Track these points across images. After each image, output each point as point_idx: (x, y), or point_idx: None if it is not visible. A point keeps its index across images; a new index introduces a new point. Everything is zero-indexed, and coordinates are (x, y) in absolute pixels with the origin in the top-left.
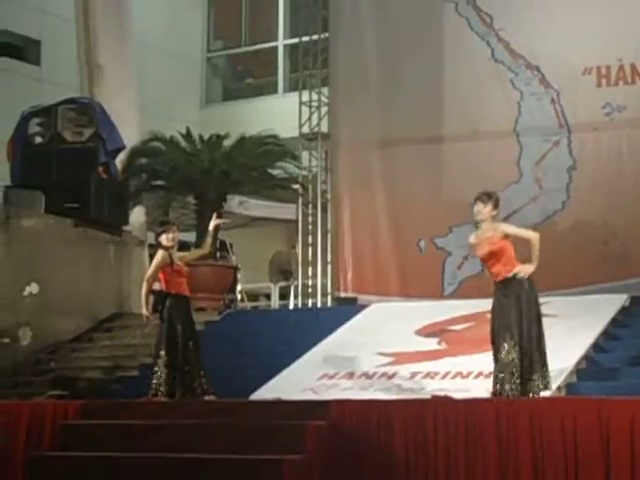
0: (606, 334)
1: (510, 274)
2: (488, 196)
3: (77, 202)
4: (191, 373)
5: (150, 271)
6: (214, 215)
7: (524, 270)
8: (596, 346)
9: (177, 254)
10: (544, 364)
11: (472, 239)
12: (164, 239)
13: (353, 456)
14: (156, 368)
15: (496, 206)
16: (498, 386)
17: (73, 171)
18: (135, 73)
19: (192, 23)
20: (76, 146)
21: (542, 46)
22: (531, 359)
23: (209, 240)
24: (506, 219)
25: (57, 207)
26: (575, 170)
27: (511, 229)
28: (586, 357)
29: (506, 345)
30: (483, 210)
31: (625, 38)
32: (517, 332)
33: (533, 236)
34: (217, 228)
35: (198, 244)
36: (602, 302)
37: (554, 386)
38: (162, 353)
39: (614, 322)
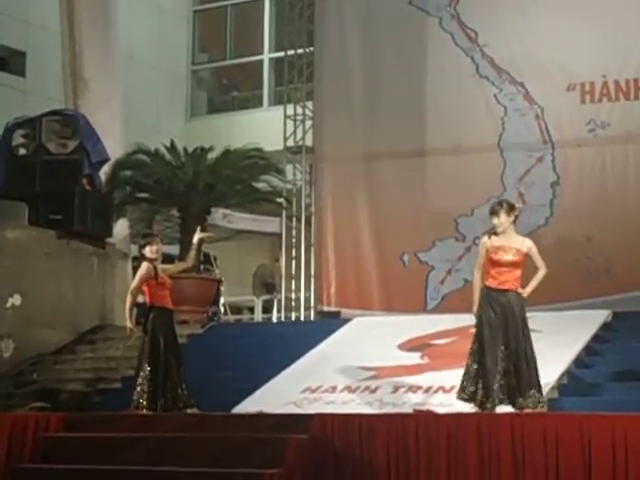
0: (588, 350)
1: (515, 289)
2: (499, 205)
3: (61, 214)
4: (173, 386)
5: (135, 283)
6: (198, 228)
7: (523, 292)
8: (578, 362)
9: (160, 266)
10: (539, 383)
11: (495, 241)
12: (147, 251)
13: (335, 470)
14: (139, 380)
15: (509, 211)
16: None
17: (57, 183)
18: (120, 85)
19: (177, 36)
20: (60, 158)
21: (526, 62)
22: (524, 376)
23: (193, 253)
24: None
25: (41, 219)
26: (559, 186)
27: (534, 251)
28: (568, 372)
29: (499, 354)
30: (502, 221)
31: (609, 55)
32: (507, 346)
33: (544, 269)
34: (201, 241)
35: (182, 257)
36: (584, 318)
37: None
38: (145, 366)
39: (596, 338)
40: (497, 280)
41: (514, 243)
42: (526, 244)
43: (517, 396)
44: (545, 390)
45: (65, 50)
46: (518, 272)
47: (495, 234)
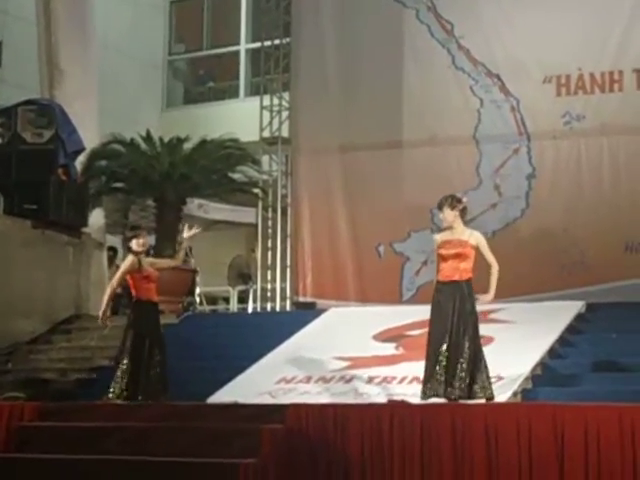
0: (562, 340)
1: (463, 280)
2: (444, 200)
3: (36, 203)
4: (154, 379)
5: (117, 275)
6: (186, 226)
7: (483, 300)
8: (552, 352)
9: (148, 260)
10: (487, 374)
11: (443, 237)
12: (134, 244)
13: (309, 460)
14: (118, 373)
15: (453, 207)
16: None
17: (32, 172)
18: (96, 75)
19: (154, 26)
20: (36, 147)
21: (502, 54)
22: (471, 366)
23: (182, 254)
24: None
25: (16, 208)
26: (534, 178)
27: (483, 245)
28: (542, 363)
29: (443, 347)
30: (446, 215)
31: (585, 48)
32: (450, 336)
33: (495, 265)
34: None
35: (158, 246)
36: (558, 309)
37: (510, 392)
38: (125, 358)
39: (570, 329)
40: (445, 274)
41: (460, 235)
42: (474, 236)
43: (447, 385)
44: (519, 381)
45: (41, 40)
46: (464, 264)
47: (444, 230)
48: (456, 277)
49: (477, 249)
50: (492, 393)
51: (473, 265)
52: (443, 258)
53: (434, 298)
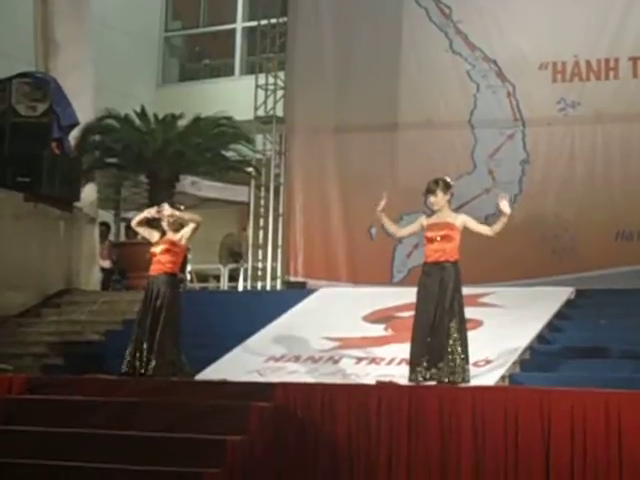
0: (551, 326)
1: (449, 261)
2: (436, 184)
3: (29, 177)
4: (164, 351)
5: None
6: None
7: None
8: (540, 338)
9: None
10: (466, 357)
11: (430, 220)
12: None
13: (297, 438)
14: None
15: (446, 189)
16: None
17: (26, 145)
18: (92, 50)
19: (151, 2)
20: (30, 120)
21: (499, 40)
22: (437, 348)
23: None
24: (458, 209)
25: (8, 181)
26: (528, 164)
27: (473, 223)
28: (530, 348)
29: (428, 329)
30: (439, 199)
31: (581, 35)
32: (434, 318)
33: (490, 229)
34: None
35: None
36: (548, 294)
37: (498, 376)
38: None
39: (559, 314)
40: (432, 256)
41: (446, 218)
42: (460, 218)
43: (433, 367)
44: (507, 365)
45: (36, 12)
46: (451, 246)
47: (432, 213)
48: (443, 259)
49: (462, 231)
50: (468, 378)
51: (459, 247)
52: (428, 240)
53: (420, 280)
